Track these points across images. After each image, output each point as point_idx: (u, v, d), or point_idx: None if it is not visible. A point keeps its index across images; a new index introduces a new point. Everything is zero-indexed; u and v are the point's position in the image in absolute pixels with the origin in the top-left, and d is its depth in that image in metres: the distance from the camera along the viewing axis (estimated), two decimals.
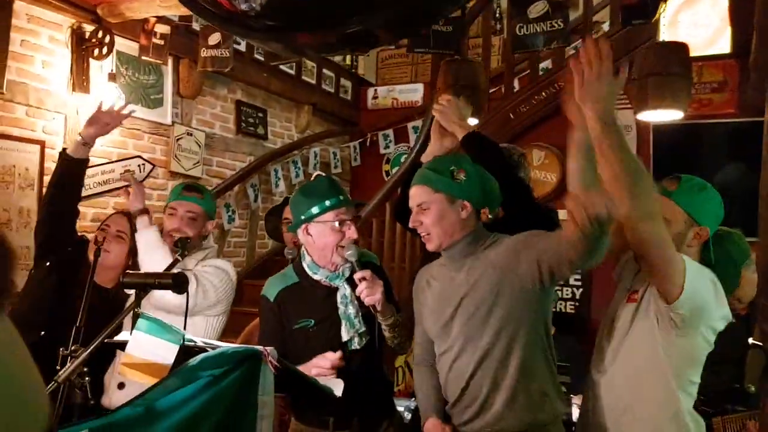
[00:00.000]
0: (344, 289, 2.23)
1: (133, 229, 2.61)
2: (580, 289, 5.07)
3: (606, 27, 5.21)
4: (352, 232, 2.21)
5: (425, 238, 2.08)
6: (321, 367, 2.03)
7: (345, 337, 2.20)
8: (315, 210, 2.21)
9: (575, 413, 3.34)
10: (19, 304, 2.75)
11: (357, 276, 2.14)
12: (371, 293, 2.11)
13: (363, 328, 2.20)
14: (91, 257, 2.52)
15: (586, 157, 2.07)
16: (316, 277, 2.27)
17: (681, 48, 3.07)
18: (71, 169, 2.64)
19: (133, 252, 2.59)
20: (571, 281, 5.07)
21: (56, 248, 2.66)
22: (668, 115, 3.15)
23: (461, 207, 2.04)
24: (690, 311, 1.83)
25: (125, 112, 2.72)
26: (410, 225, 2.12)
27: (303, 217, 2.23)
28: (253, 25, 1.25)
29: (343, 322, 2.21)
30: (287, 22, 1.23)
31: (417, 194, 2.08)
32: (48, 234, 2.67)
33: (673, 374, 1.92)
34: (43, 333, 2.39)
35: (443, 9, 1.52)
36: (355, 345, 2.21)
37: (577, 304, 5.07)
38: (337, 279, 2.25)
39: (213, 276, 2.47)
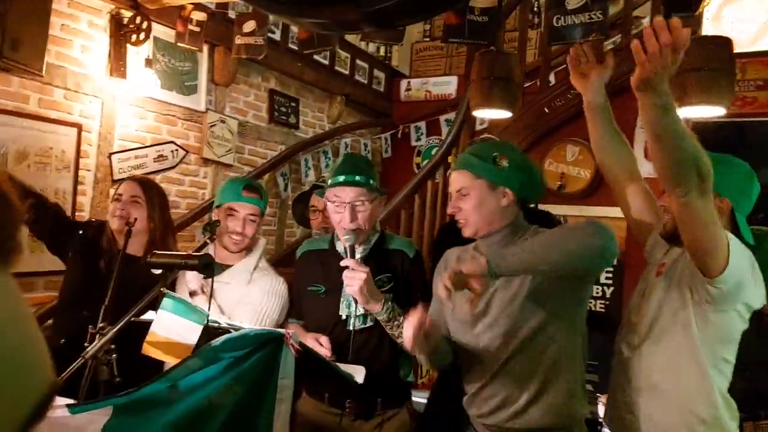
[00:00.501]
0: None
1: (146, 194, 2.62)
2: (611, 288, 4.99)
3: (646, 22, 5.11)
4: (345, 216, 2.19)
5: (461, 224, 2.03)
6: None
7: (342, 314, 2.21)
8: (326, 187, 2.28)
9: (601, 411, 3.29)
10: (62, 293, 2.80)
11: (342, 263, 2.13)
12: (349, 283, 2.09)
13: (361, 312, 2.18)
14: (113, 227, 2.55)
15: (606, 121, 2.09)
16: (338, 248, 2.29)
17: (725, 43, 2.97)
18: None
19: (151, 216, 2.60)
20: (602, 279, 4.99)
21: (63, 240, 2.69)
22: (709, 112, 3.06)
23: (502, 194, 1.99)
24: (730, 287, 1.79)
25: None
26: (449, 211, 2.08)
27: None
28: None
29: (343, 300, 2.21)
30: None
31: (458, 179, 2.03)
32: (46, 237, 2.71)
33: (706, 351, 1.88)
34: (85, 312, 2.43)
35: None
36: (350, 326, 2.20)
37: (607, 302, 5.00)
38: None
39: (268, 307, 2.41)
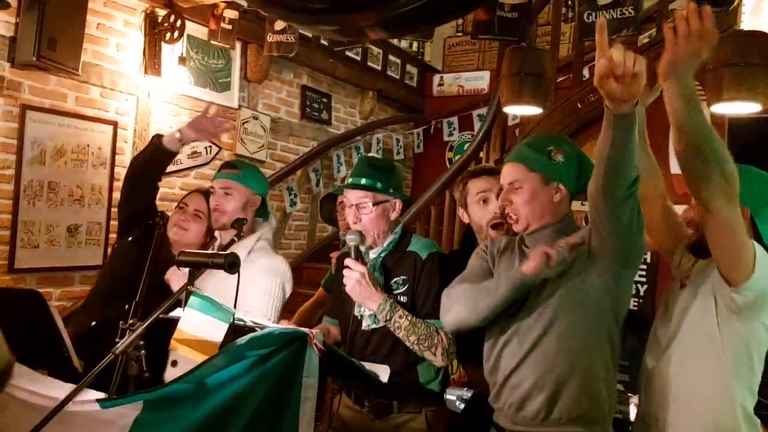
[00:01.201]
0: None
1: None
2: (645, 286, 4.92)
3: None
4: (349, 217, 2.25)
5: (512, 220, 2.00)
6: None
7: (356, 313, 2.23)
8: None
9: (633, 412, 3.25)
10: (104, 276, 2.84)
11: (344, 262, 2.16)
12: (345, 282, 2.13)
13: (369, 312, 2.19)
14: (170, 235, 2.57)
15: (640, 142, 2.06)
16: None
17: (761, 37, 2.90)
18: (160, 158, 2.67)
19: (210, 231, 2.60)
20: (636, 277, 4.91)
21: (138, 223, 2.70)
22: (745, 108, 3.00)
23: (555, 189, 1.95)
24: (756, 295, 1.76)
25: (226, 128, 2.78)
26: (499, 204, 2.04)
27: None
28: (294, 7, 1.24)
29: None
30: (329, 3, 1.21)
31: (510, 172, 1.99)
32: (130, 210, 2.72)
33: (729, 362, 1.84)
34: (126, 306, 2.45)
35: None
36: (364, 325, 2.21)
37: (640, 300, 4.92)
38: (367, 256, 2.28)
39: (269, 286, 2.40)
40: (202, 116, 2.70)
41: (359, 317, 2.23)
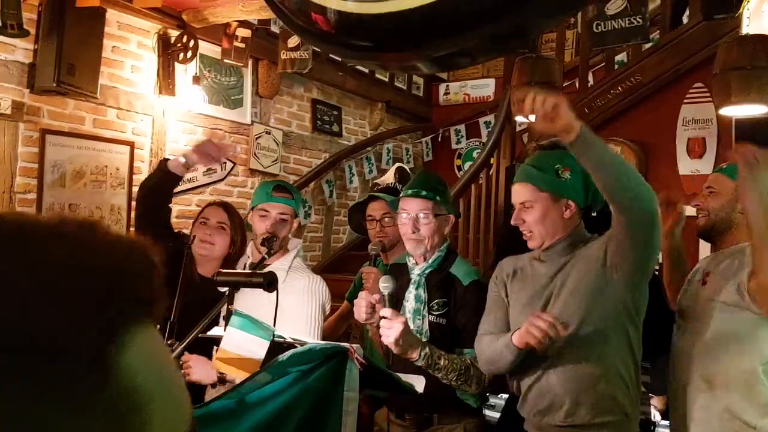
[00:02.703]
0: (412, 287, 2.30)
1: (231, 220, 2.63)
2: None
3: (685, 19, 5.05)
4: (408, 227, 2.26)
5: (527, 236, 2.08)
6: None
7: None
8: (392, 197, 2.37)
9: (653, 412, 3.29)
10: None
11: (380, 312, 2.07)
12: (385, 333, 2.03)
13: (417, 327, 2.22)
14: (198, 251, 2.57)
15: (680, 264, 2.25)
16: (408, 262, 2.38)
17: (764, 41, 2.97)
18: (167, 181, 2.67)
19: (234, 241, 2.62)
20: None
21: (157, 245, 2.74)
22: (752, 111, 3.06)
23: (565, 206, 2.03)
24: None
25: (229, 154, 2.75)
26: (512, 222, 2.11)
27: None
28: (344, 44, 1.31)
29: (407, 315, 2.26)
30: (375, 42, 1.28)
31: (521, 192, 2.07)
32: (145, 230, 2.77)
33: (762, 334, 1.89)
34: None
35: (544, 23, 1.52)
36: None
37: None
38: (413, 271, 2.33)
39: (309, 308, 2.42)
40: (208, 141, 2.72)
41: None
